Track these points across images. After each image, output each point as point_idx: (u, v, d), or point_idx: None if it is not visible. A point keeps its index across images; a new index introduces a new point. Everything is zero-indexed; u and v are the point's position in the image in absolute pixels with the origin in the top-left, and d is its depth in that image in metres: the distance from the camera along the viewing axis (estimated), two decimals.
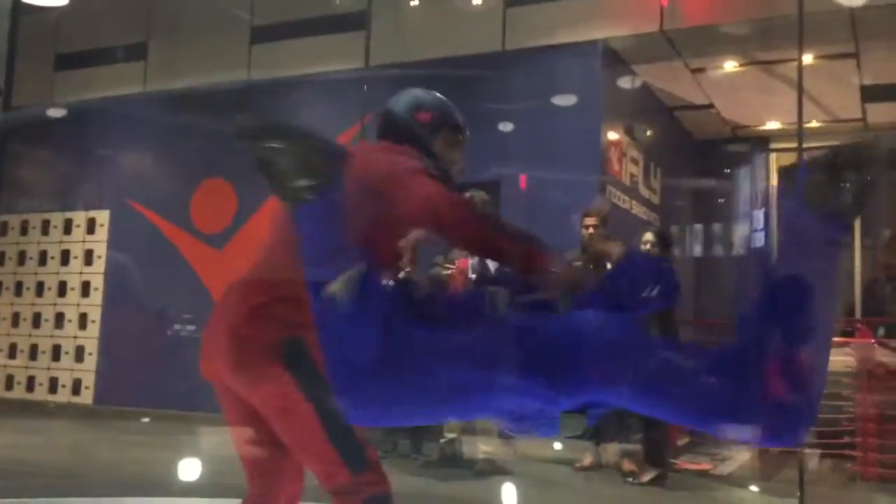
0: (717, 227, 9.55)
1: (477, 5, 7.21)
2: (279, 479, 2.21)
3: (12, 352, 8.79)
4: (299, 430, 2.05)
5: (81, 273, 8.59)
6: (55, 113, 8.71)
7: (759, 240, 8.80)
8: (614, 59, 7.13)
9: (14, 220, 8.84)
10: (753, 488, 5.60)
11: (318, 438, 2.02)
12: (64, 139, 8.77)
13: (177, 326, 7.90)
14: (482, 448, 5.43)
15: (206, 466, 4.01)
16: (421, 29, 7.37)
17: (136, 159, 8.73)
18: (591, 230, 5.90)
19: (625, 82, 7.43)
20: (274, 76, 7.98)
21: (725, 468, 5.93)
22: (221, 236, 7.92)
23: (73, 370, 8.49)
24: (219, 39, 8.28)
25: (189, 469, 3.97)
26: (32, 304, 8.78)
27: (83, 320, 8.49)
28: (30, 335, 8.76)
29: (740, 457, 6.19)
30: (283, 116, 7.74)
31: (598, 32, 6.83)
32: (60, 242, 8.76)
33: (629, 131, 7.63)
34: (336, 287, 1.74)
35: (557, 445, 5.88)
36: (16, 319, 8.83)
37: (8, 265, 8.88)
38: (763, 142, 9.33)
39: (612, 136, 7.23)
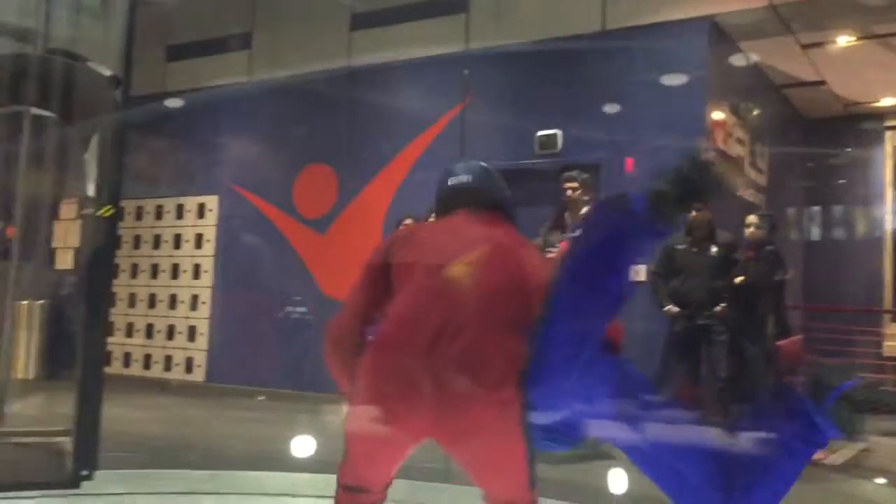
0: (829, 210, 9.17)
1: None
2: (387, 477, 2.32)
3: (129, 331, 9.26)
4: (508, 451, 2.14)
5: (192, 256, 8.95)
6: (171, 103, 9.07)
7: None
8: (721, 35, 6.91)
9: (130, 206, 9.26)
10: (880, 480, 5.38)
11: (521, 458, 2.14)
12: (175, 128, 9.12)
13: (282, 308, 8.14)
14: None
15: (316, 443, 4.12)
16: (521, 9, 7.31)
17: (242, 146, 9.00)
18: (694, 213, 5.80)
19: (732, 60, 7.19)
20: (374, 62, 8.08)
21: (838, 458, 5.71)
22: (323, 221, 8.10)
23: (185, 349, 8.88)
24: (319, 27, 8.43)
25: (300, 445, 4.09)
26: (147, 286, 9.21)
27: (194, 301, 8.85)
28: (146, 315, 9.21)
29: (851, 447, 5.95)
30: (384, 101, 7.86)
31: (705, 8, 6.63)
32: (173, 227, 9.15)
33: (735, 110, 7.39)
34: None
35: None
36: (132, 300, 9.28)
37: (125, 248, 9.30)
38: (878, 119, 8.90)
39: (718, 115, 7.02)
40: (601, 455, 5.35)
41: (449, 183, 2.51)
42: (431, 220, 2.67)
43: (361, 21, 8.18)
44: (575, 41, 6.93)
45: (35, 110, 5.10)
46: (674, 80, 6.56)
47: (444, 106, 7.25)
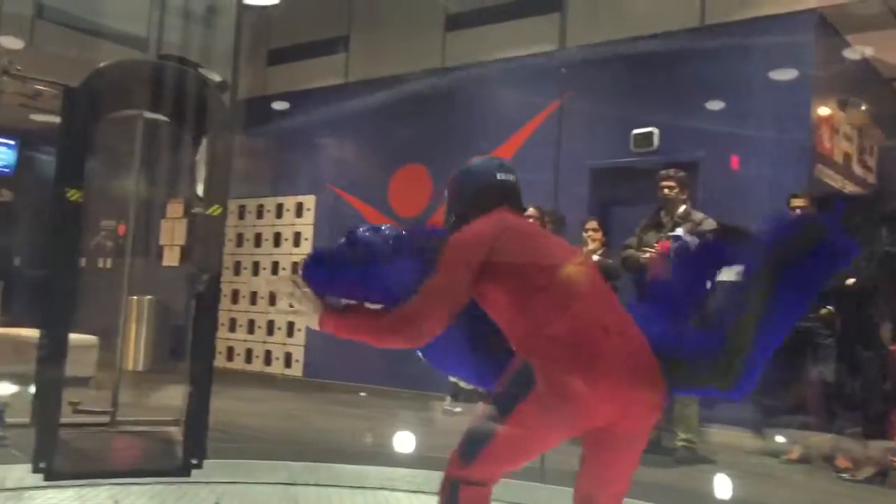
0: None
1: None
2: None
3: (232, 326, 9.58)
4: (640, 452, 2.30)
5: (291, 254, 9.20)
6: (278, 106, 9.35)
7: None
8: (827, 28, 6.67)
9: (233, 205, 9.58)
10: None
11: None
12: (275, 129, 9.39)
13: None
14: (681, 435, 5.31)
15: (414, 439, 4.19)
16: (617, 7, 7.23)
17: (338, 147, 9.19)
18: (798, 212, 5.61)
19: (838, 53, 6.92)
20: (468, 62, 8.13)
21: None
22: (417, 220, 8.19)
23: (284, 344, 9.14)
24: (415, 29, 8.53)
25: (398, 440, 4.16)
26: (249, 283, 9.52)
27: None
28: (247, 311, 9.52)
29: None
30: (479, 100, 7.90)
31: (811, 1, 6.41)
32: (273, 225, 9.42)
33: (842, 106, 7.12)
34: None
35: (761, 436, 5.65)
36: (235, 296, 9.60)
37: (228, 246, 9.64)
38: None
39: (824, 111, 6.78)
40: (701, 460, 5.26)
41: (498, 178, 2.52)
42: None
43: (456, 22, 8.25)
44: (673, 37, 6.81)
45: (148, 114, 5.35)
46: (778, 75, 6.37)
47: (538, 105, 7.24)
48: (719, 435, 5.88)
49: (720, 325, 2.26)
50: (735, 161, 6.33)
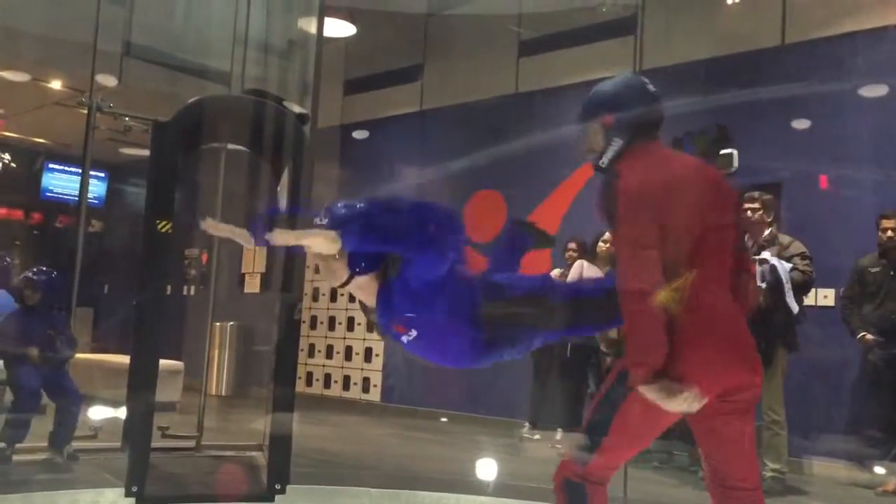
0: None
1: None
2: None
3: (311, 351, 9.73)
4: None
5: None
6: (358, 135, 9.53)
7: None
8: None
9: None
10: None
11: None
12: (351, 157, 9.55)
13: None
14: (769, 465, 5.13)
15: (493, 466, 4.16)
16: (693, 28, 7.14)
17: (414, 173, 9.28)
18: (889, 233, 5.42)
19: None
20: (542, 87, 8.14)
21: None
22: (492, 246, 8.18)
23: (362, 369, 9.22)
24: (488, 55, 8.59)
25: (480, 468, 4.14)
26: (328, 309, 9.65)
27: (370, 324, 9.19)
28: (325, 336, 9.65)
29: None
30: (553, 125, 7.88)
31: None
32: None
33: None
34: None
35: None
36: (314, 322, 9.75)
37: (307, 273, 9.81)
38: None
39: None
40: (790, 490, 5.08)
41: (652, 92, 2.41)
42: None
43: (530, 48, 8.27)
44: (752, 56, 6.69)
45: (231, 146, 5.51)
46: (868, 91, 6.16)
47: None
48: (814, 467, 5.67)
49: None
50: (824, 181, 6.14)
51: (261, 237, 2.50)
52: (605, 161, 2.37)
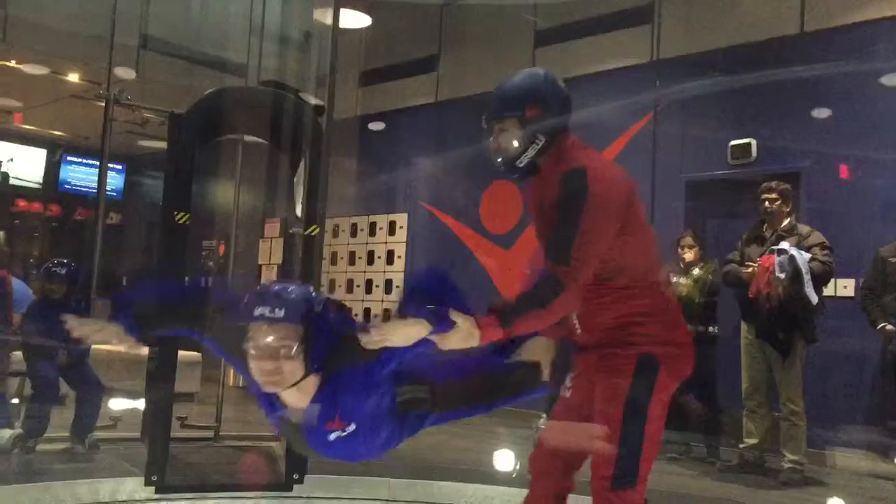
0: None
1: None
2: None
3: None
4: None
5: (384, 272, 9.32)
6: (374, 126, 9.53)
7: None
8: None
9: (328, 224, 9.77)
10: None
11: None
12: (367, 149, 9.55)
13: None
14: (788, 456, 5.11)
15: (514, 457, 4.16)
16: (711, 16, 7.08)
17: (429, 165, 9.27)
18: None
19: None
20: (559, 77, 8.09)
21: None
22: (508, 236, 8.18)
23: None
24: (504, 46, 8.55)
25: (499, 458, 4.15)
26: (343, 300, 9.67)
27: (386, 315, 9.20)
28: None
29: None
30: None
31: None
32: (366, 244, 9.57)
33: None
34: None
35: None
36: None
37: (323, 265, 9.84)
38: None
39: None
40: (809, 482, 5.05)
41: (562, 85, 2.42)
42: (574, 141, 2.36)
43: (546, 37, 8.22)
44: (770, 45, 6.62)
45: (248, 138, 5.54)
46: (890, 80, 6.07)
47: (631, 118, 7.14)
48: (836, 458, 5.64)
49: None
50: (844, 171, 6.08)
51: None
52: (523, 161, 2.29)
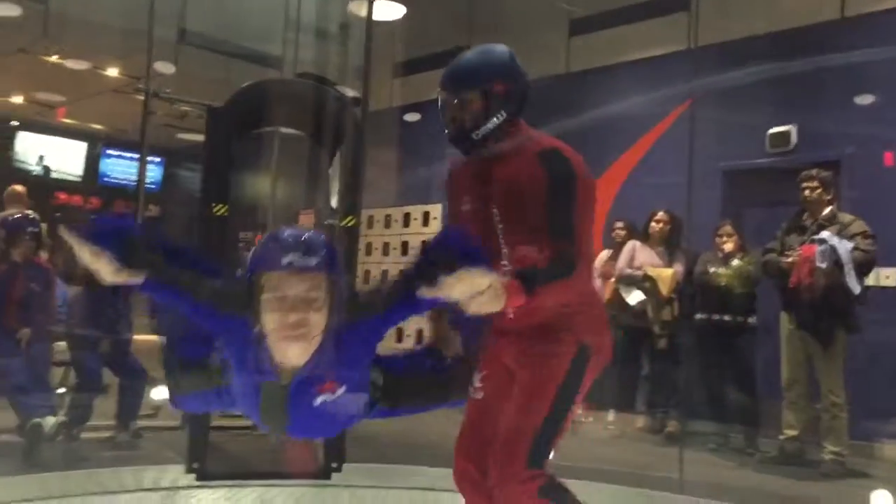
0: None
1: None
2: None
3: None
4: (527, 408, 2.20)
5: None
6: (409, 117, 9.55)
7: None
8: None
9: (363, 215, 9.81)
10: None
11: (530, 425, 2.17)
12: (401, 139, 9.57)
13: None
14: (828, 448, 5.05)
15: None
16: (748, 4, 6.97)
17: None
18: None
19: None
20: (594, 65, 8.04)
21: None
22: None
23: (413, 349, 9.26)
24: (538, 35, 8.49)
25: None
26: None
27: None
28: None
29: None
30: (605, 104, 7.79)
31: None
32: (400, 234, 9.60)
33: None
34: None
35: None
36: None
37: (358, 255, 9.88)
38: None
39: None
40: (851, 474, 4.99)
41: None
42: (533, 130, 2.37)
43: (580, 26, 8.16)
44: (809, 31, 6.51)
45: (284, 130, 5.58)
46: None
47: (667, 108, 7.07)
48: (885, 450, 5.56)
49: None
50: (889, 157, 5.96)
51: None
52: (481, 133, 2.26)
